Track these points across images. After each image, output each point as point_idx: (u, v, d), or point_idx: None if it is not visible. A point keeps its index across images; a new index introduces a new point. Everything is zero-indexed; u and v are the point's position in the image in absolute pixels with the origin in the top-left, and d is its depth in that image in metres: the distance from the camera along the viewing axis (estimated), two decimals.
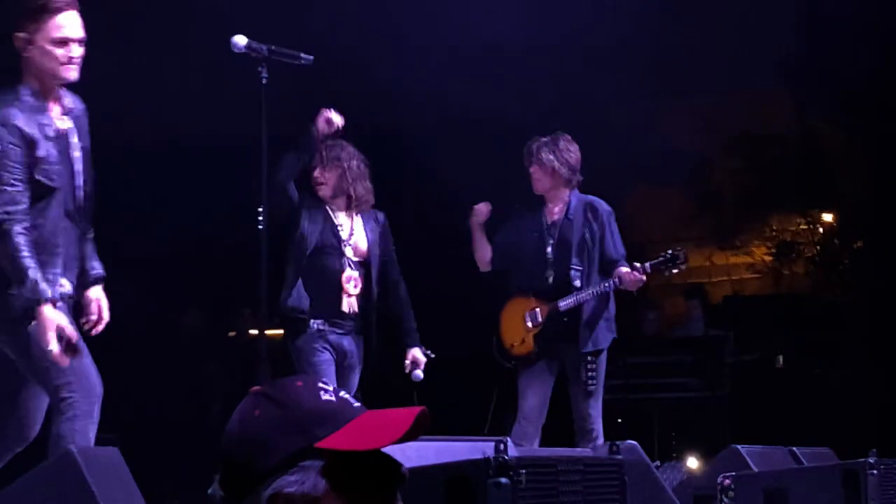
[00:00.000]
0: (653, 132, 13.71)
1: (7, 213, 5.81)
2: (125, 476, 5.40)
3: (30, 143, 5.96)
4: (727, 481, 7.13)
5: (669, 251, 8.70)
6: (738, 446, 7.80)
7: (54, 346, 5.72)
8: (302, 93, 8.23)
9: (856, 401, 11.01)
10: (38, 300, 5.68)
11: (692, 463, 7.67)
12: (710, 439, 10.26)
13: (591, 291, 8.53)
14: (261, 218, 7.05)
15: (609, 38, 12.34)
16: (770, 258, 16.58)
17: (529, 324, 8.43)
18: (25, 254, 5.75)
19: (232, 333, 12.73)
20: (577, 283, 8.48)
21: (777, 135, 14.21)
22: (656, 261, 8.63)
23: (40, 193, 6.06)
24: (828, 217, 16.52)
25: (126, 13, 11.91)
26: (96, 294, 6.49)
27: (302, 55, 7.15)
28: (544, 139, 8.52)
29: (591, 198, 8.69)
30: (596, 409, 8.26)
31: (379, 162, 8.61)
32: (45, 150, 6.04)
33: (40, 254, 5.96)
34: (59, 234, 6.14)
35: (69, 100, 6.42)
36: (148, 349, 12.09)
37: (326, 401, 2.66)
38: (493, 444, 4.80)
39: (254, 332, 8.61)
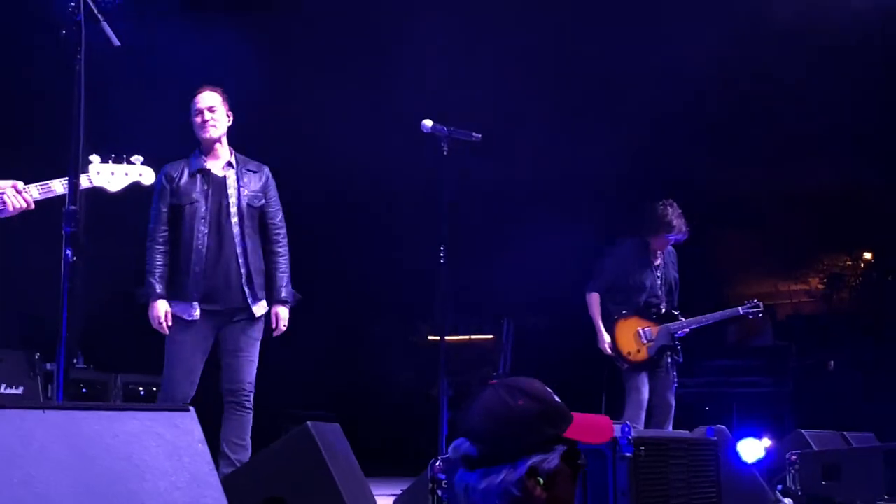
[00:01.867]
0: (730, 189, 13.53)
1: None
2: (346, 447, 5.39)
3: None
4: (794, 457, 7.17)
5: (754, 300, 8.97)
6: (802, 430, 7.81)
7: None
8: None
9: (893, 396, 10.91)
10: None
11: (765, 443, 7.67)
12: (778, 425, 10.25)
13: (704, 318, 8.83)
14: (442, 254, 7.10)
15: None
16: (822, 286, 16.92)
17: (644, 340, 8.51)
18: None
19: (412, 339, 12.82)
20: (676, 312, 8.71)
21: (828, 190, 14.10)
22: (747, 307, 8.85)
23: None
24: (867, 255, 16.79)
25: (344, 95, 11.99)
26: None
27: (473, 134, 6.94)
28: (674, 208, 8.59)
29: (671, 247, 8.80)
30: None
31: None
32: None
33: None
34: None
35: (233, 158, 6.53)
36: (352, 350, 12.23)
37: (559, 401, 2.90)
38: (619, 426, 4.80)
39: (433, 337, 8.71)
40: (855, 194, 13.36)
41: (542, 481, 2.79)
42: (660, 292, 8.79)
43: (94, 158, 4.93)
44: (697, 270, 10.29)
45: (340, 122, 11.42)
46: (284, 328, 6.66)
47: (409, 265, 9.00)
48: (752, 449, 6.94)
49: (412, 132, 6.77)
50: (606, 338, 8.57)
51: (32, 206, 4.80)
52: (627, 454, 4.68)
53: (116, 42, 4.49)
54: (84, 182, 4.79)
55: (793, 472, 7.02)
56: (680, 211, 8.57)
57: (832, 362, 12.40)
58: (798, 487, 7.02)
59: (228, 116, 6.58)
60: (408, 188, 10.66)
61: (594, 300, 8.67)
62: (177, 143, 6.58)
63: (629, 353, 8.57)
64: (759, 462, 6.92)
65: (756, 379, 11.47)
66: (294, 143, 11.62)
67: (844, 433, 8.30)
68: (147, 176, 5.33)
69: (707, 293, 10.88)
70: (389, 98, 11.63)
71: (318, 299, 12.03)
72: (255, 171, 6.62)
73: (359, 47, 12.31)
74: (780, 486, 6.90)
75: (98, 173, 4.96)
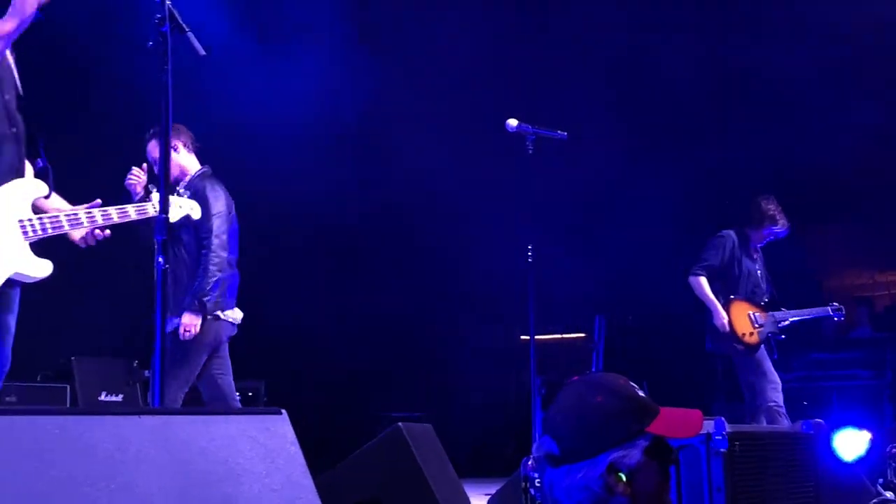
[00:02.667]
0: None
1: None
2: (438, 448, 5.41)
3: None
4: (894, 450, 6.92)
5: (835, 303, 9.29)
6: None
7: None
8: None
9: None
10: None
11: (866, 436, 7.58)
12: (878, 418, 10.12)
13: (803, 312, 9.24)
14: (530, 253, 7.18)
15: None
16: None
17: (756, 324, 8.75)
18: None
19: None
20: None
21: None
22: (833, 308, 9.23)
23: None
24: None
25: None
26: None
27: (558, 132, 6.96)
28: (775, 204, 8.95)
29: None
30: None
31: None
32: None
33: None
34: None
35: None
36: (444, 352, 12.30)
37: (643, 396, 2.92)
38: (713, 421, 4.78)
39: (525, 337, 8.75)
40: None
41: (623, 477, 2.82)
42: (762, 282, 9.08)
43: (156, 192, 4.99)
44: (793, 262, 10.24)
45: (433, 130, 11.55)
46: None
47: (499, 265, 9.06)
48: (851, 442, 6.83)
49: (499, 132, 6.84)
50: (724, 315, 8.74)
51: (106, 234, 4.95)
52: (722, 449, 4.65)
53: (202, 51, 4.52)
54: (150, 210, 4.94)
55: (894, 465, 6.93)
56: (780, 207, 8.86)
57: None
58: None
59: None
60: (494, 189, 10.70)
61: (703, 283, 8.85)
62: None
63: (744, 335, 8.76)
64: (860, 456, 6.81)
65: (854, 372, 11.34)
66: (388, 153, 11.74)
67: None
68: (196, 212, 5.50)
69: (803, 285, 10.78)
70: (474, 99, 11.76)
71: (410, 303, 12.12)
72: None
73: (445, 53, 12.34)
74: (880, 480, 6.81)
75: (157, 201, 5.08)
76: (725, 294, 8.90)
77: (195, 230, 6.64)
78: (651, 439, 2.88)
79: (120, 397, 9.49)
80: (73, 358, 8.70)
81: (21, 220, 4.49)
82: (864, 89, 11.87)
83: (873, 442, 6.79)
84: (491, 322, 11.45)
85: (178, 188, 5.55)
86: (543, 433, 2.95)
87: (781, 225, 8.97)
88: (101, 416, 3.37)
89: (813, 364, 11.38)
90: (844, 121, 11.61)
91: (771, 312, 8.95)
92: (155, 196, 5.06)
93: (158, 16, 4.44)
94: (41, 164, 4.70)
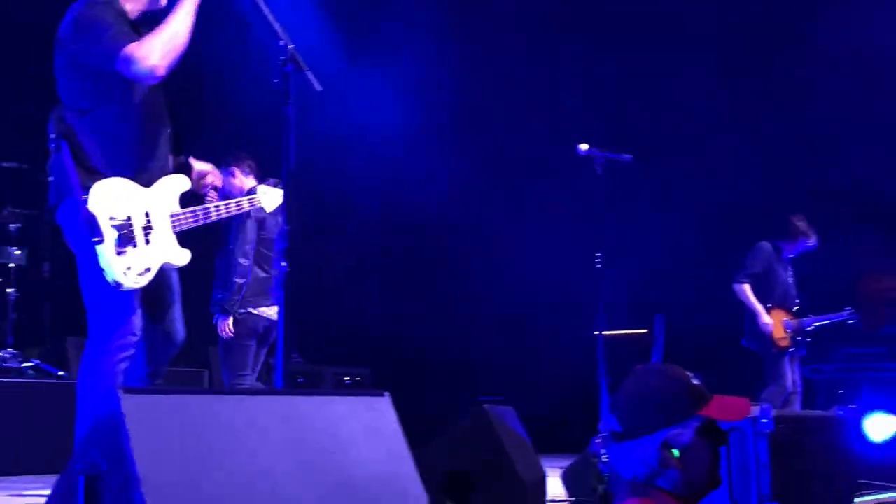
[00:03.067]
0: None
1: None
2: (518, 427, 5.34)
3: None
4: None
5: (849, 308, 9.36)
6: None
7: None
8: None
9: None
10: None
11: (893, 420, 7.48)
12: None
13: (826, 318, 9.34)
14: (598, 260, 7.12)
15: None
16: None
17: (788, 330, 8.97)
18: None
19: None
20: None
21: None
22: (847, 313, 9.36)
23: None
24: None
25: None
26: None
27: (623, 155, 6.90)
28: (805, 221, 9.19)
29: None
30: None
31: None
32: None
33: None
34: None
35: None
36: (525, 343, 12.35)
37: (697, 383, 2.96)
38: (759, 406, 4.82)
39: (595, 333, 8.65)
40: None
41: (676, 453, 2.86)
42: (792, 290, 9.21)
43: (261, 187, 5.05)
44: (827, 264, 10.15)
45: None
46: None
47: (573, 270, 9.05)
48: (880, 425, 6.73)
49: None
50: (768, 320, 8.90)
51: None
52: (767, 431, 4.62)
53: (318, 87, 4.53)
54: (256, 201, 5.06)
55: None
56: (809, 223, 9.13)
57: None
58: None
59: None
60: (568, 204, 10.66)
61: (746, 289, 8.97)
62: None
63: (779, 339, 8.93)
64: (888, 438, 6.70)
65: (884, 364, 11.18)
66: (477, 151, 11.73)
67: None
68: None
69: (834, 286, 10.64)
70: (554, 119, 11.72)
71: (498, 302, 12.14)
72: None
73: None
74: None
75: (265, 193, 5.13)
76: (762, 301, 9.00)
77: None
78: (703, 421, 2.91)
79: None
80: (209, 347, 8.85)
81: (172, 215, 4.54)
82: None
83: None
84: (565, 320, 11.39)
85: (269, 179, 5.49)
86: (610, 413, 3.00)
87: (812, 240, 9.14)
88: (233, 396, 3.46)
89: (847, 357, 11.25)
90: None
91: (800, 319, 9.09)
92: (260, 188, 5.19)
93: (282, 57, 4.47)
94: (183, 160, 4.75)
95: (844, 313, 9.29)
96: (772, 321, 8.93)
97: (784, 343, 8.98)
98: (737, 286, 8.94)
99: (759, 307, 8.91)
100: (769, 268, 9.11)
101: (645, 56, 12.03)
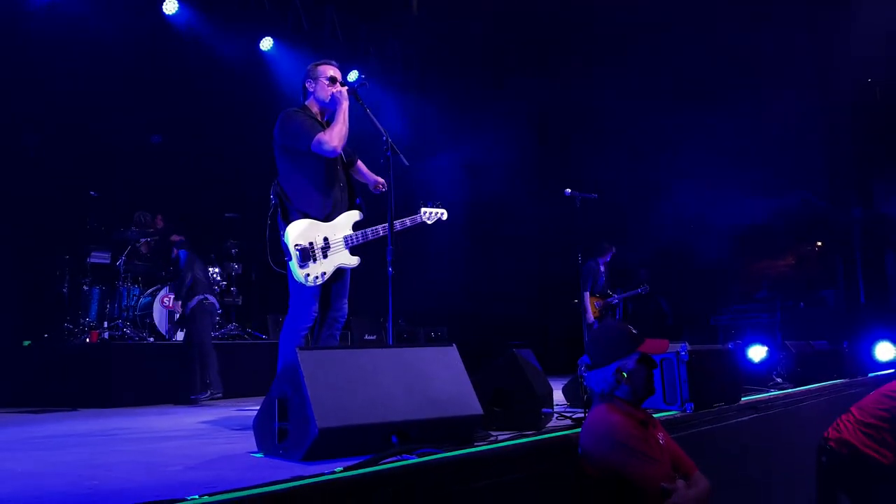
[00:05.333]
0: None
1: None
2: (535, 361, 5.09)
3: None
4: (778, 356, 6.60)
5: (645, 285, 9.05)
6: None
7: None
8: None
9: None
10: None
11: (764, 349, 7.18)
12: (771, 338, 9.78)
13: (631, 293, 9.07)
14: (579, 257, 7.08)
15: None
16: None
17: (597, 306, 9.02)
18: None
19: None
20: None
21: None
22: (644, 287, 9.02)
23: None
24: None
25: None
26: None
27: (593, 194, 6.66)
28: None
29: None
30: None
31: None
32: None
33: None
34: None
35: None
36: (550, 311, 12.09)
37: (635, 331, 2.94)
38: (681, 344, 4.57)
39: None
40: None
41: (625, 375, 2.85)
42: (603, 282, 9.08)
43: (424, 208, 4.81)
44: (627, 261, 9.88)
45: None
46: None
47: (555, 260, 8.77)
48: (757, 352, 6.59)
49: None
50: (589, 306, 8.81)
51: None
52: (685, 359, 4.54)
53: (406, 163, 4.45)
54: (423, 218, 4.76)
55: (778, 368, 6.64)
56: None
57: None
58: None
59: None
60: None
61: (587, 295, 8.75)
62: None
63: (594, 313, 8.98)
64: (763, 359, 6.57)
65: (759, 315, 10.89)
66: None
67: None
68: (444, 215, 4.85)
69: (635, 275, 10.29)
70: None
71: (521, 282, 11.99)
72: None
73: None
74: (774, 372, 6.53)
75: (424, 213, 4.86)
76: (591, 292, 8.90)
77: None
78: (640, 354, 2.91)
79: (374, 337, 9.66)
80: (351, 317, 8.88)
81: (346, 237, 4.51)
82: None
83: (770, 352, 6.59)
84: (566, 298, 11.12)
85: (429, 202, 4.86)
86: (585, 352, 3.00)
87: (612, 250, 9.08)
88: (363, 349, 3.48)
89: (736, 311, 11.06)
90: None
91: (606, 299, 8.96)
92: (423, 209, 4.78)
93: (385, 145, 4.42)
94: (358, 202, 4.66)
95: (639, 289, 9.01)
96: (590, 306, 8.80)
97: (596, 315, 8.86)
98: (584, 293, 8.55)
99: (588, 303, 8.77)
100: (595, 274, 8.96)
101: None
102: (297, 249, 4.33)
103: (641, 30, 10.45)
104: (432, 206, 4.81)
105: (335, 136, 4.36)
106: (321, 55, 7.32)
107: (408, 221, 4.68)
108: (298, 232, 4.37)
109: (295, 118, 4.46)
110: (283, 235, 4.35)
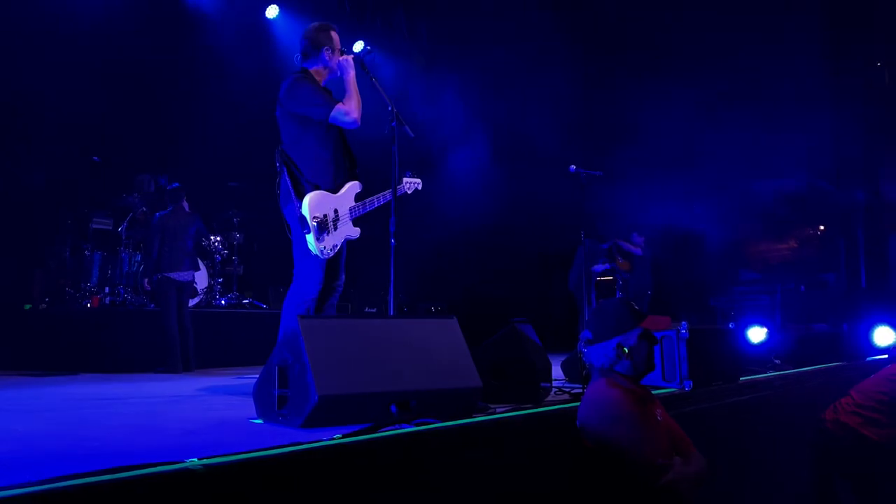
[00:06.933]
0: None
1: None
2: (534, 335, 5.13)
3: None
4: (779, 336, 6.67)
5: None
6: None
7: None
8: None
9: None
10: None
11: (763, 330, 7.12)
12: (770, 320, 9.78)
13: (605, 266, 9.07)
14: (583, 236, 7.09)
15: None
16: None
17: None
18: None
19: None
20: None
21: None
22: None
23: None
24: None
25: None
26: None
27: (596, 171, 6.79)
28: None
29: None
30: None
31: None
32: None
33: None
34: None
35: None
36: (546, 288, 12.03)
37: (637, 308, 2.94)
38: (682, 322, 4.60)
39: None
40: None
41: (626, 350, 2.85)
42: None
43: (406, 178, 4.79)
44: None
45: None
46: None
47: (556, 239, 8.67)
48: (756, 334, 6.58)
49: None
50: None
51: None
52: (685, 337, 4.54)
53: (411, 135, 4.41)
54: (405, 188, 4.76)
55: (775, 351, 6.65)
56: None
57: None
58: None
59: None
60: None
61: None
62: None
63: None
64: (762, 341, 6.58)
65: (759, 296, 10.90)
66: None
67: None
68: (419, 184, 4.84)
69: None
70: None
71: (518, 261, 11.97)
72: None
73: None
74: (774, 354, 6.55)
75: (406, 183, 4.83)
76: None
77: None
78: (642, 330, 2.90)
79: (374, 310, 9.71)
80: (351, 289, 8.85)
81: (350, 207, 4.48)
82: None
83: (769, 334, 6.59)
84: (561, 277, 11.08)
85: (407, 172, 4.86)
86: (586, 328, 2.99)
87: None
88: (363, 319, 3.48)
89: (736, 293, 11.06)
90: None
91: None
92: (405, 179, 4.76)
93: (390, 113, 4.41)
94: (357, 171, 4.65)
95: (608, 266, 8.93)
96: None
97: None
98: (594, 269, 8.53)
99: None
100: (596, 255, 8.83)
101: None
102: (316, 222, 4.30)
103: (647, 9, 10.33)
104: (410, 177, 4.80)
105: (355, 107, 4.34)
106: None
107: (389, 194, 4.62)
108: (314, 204, 4.33)
109: (304, 84, 4.38)
110: (299, 207, 4.29)
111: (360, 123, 4.40)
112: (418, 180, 4.83)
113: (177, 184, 7.61)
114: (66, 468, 2.12)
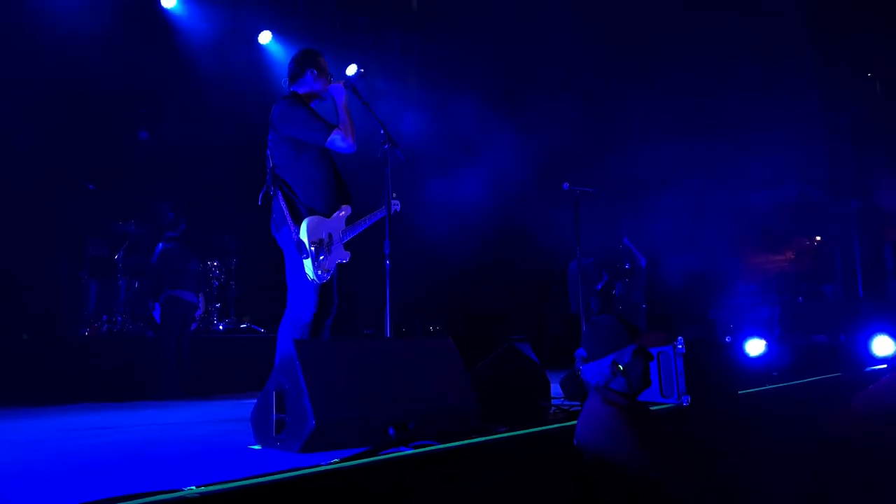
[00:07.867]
0: None
1: None
2: (531, 353, 5.05)
3: None
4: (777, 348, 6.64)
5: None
6: None
7: None
8: None
9: None
10: None
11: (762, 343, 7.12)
12: (769, 332, 9.77)
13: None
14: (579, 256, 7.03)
15: None
16: None
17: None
18: None
19: None
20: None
21: None
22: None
23: None
24: None
25: None
26: None
27: (590, 188, 6.63)
28: None
29: None
30: None
31: None
32: None
33: None
34: None
35: None
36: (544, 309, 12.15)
37: (631, 324, 2.93)
38: (679, 338, 4.76)
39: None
40: None
41: (621, 368, 2.86)
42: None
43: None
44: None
45: None
46: None
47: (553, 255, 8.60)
48: (755, 346, 6.56)
49: None
50: None
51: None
52: (682, 352, 4.55)
53: (402, 158, 4.44)
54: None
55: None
56: None
57: None
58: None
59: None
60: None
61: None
62: None
63: None
64: (760, 354, 6.57)
65: (757, 310, 10.90)
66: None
67: None
68: (398, 205, 4.86)
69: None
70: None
71: (518, 278, 11.95)
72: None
73: None
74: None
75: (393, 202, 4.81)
76: None
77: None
78: (637, 346, 2.91)
79: (372, 331, 9.63)
80: (347, 310, 8.77)
81: (342, 231, 4.49)
82: None
83: (768, 346, 6.58)
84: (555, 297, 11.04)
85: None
86: (581, 346, 3.00)
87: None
88: (358, 341, 3.49)
89: (734, 306, 11.03)
90: None
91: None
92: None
93: (382, 137, 4.47)
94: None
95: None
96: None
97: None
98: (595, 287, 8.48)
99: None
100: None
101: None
102: (314, 247, 4.31)
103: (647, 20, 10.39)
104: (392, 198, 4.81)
105: (351, 133, 4.36)
106: (319, 44, 7.26)
107: (376, 215, 4.63)
108: (312, 228, 4.34)
109: (299, 108, 4.41)
110: (297, 232, 4.30)
111: (356, 148, 4.44)
112: (397, 201, 4.86)
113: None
114: (65, 499, 2.12)
